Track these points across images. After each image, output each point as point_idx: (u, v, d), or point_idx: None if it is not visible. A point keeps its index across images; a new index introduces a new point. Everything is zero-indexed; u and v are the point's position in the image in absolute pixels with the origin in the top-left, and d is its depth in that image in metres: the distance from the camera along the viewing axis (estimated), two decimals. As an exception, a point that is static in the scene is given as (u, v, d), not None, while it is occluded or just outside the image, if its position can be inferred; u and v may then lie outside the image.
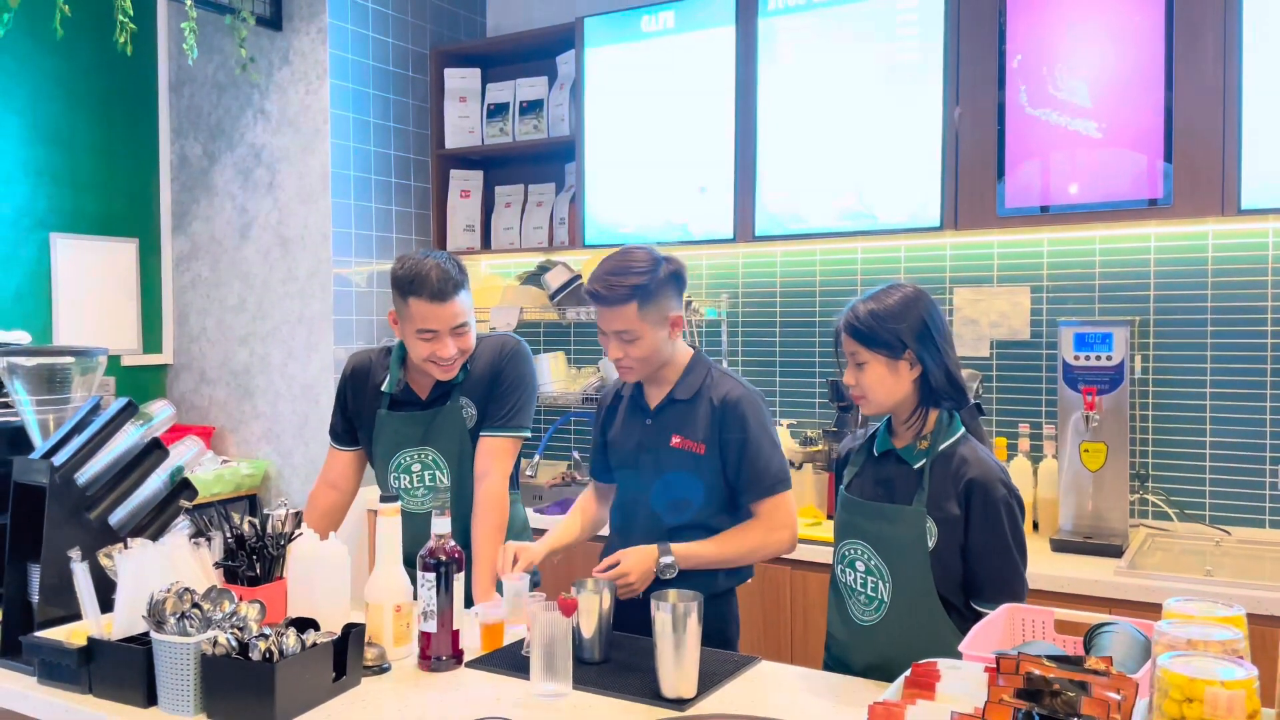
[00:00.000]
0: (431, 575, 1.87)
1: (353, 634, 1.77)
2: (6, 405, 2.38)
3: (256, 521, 1.94)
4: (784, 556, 2.86)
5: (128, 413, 2.07)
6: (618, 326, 2.05)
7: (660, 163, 3.50)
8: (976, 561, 1.80)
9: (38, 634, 1.85)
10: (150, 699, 1.70)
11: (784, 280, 3.60)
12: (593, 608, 1.90)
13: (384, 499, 1.96)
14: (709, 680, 1.78)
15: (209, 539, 1.94)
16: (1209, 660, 1.21)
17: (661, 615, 1.71)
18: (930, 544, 1.79)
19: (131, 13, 3.12)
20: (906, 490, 1.84)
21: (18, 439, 2.33)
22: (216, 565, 1.93)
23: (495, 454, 2.32)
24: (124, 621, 1.79)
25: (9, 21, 3.02)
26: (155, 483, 2.09)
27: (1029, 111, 2.88)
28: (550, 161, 4.05)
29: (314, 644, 1.70)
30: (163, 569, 1.81)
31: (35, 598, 1.95)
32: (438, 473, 2.36)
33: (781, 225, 3.28)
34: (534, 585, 2.46)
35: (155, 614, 1.68)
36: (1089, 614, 1.72)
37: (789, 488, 2.12)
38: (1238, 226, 2.87)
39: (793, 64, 3.24)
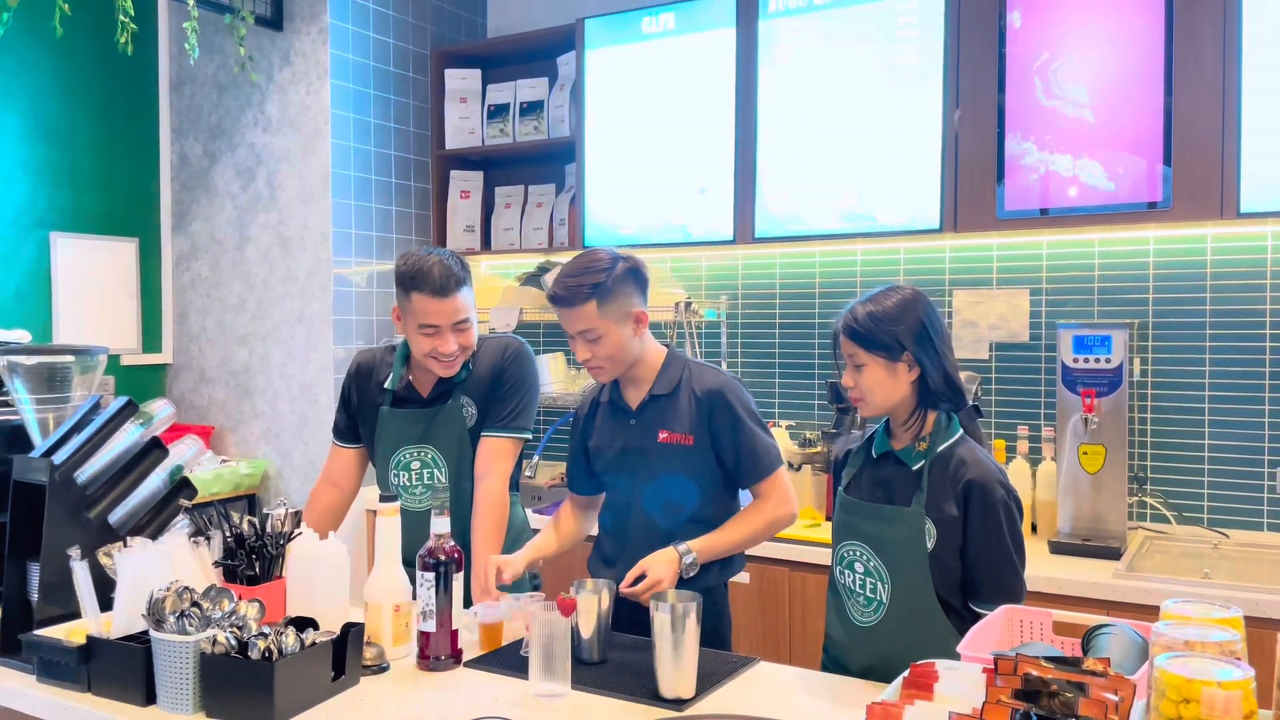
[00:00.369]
0: (430, 575, 1.87)
1: (352, 633, 1.77)
2: (6, 404, 2.38)
3: (256, 521, 1.95)
4: (782, 558, 2.89)
5: (128, 412, 2.07)
6: (580, 327, 2.08)
7: (660, 164, 3.50)
8: (975, 563, 1.80)
9: (37, 632, 1.85)
10: (149, 697, 1.70)
11: (783, 281, 3.60)
12: (591, 608, 1.90)
13: (383, 499, 1.97)
14: (707, 681, 1.79)
15: (208, 538, 1.95)
16: (1206, 661, 1.21)
17: (660, 616, 1.72)
18: (929, 545, 1.80)
19: (132, 12, 3.12)
20: (905, 492, 1.85)
21: (17, 438, 2.33)
22: (216, 564, 1.93)
23: (496, 454, 2.32)
24: (123, 620, 1.79)
25: (9, 21, 3.02)
26: (155, 482, 2.10)
27: (1029, 114, 2.88)
28: (550, 162, 4.06)
29: (313, 643, 1.70)
30: (162, 568, 1.82)
31: (35, 596, 1.95)
32: (436, 471, 2.37)
33: (781, 227, 3.29)
34: (535, 587, 2.47)
35: (155, 612, 1.68)
36: (1087, 616, 1.72)
37: (782, 463, 2.17)
38: (1237, 230, 2.87)
39: (793, 66, 3.25)
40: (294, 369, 3.86)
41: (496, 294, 3.88)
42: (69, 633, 1.83)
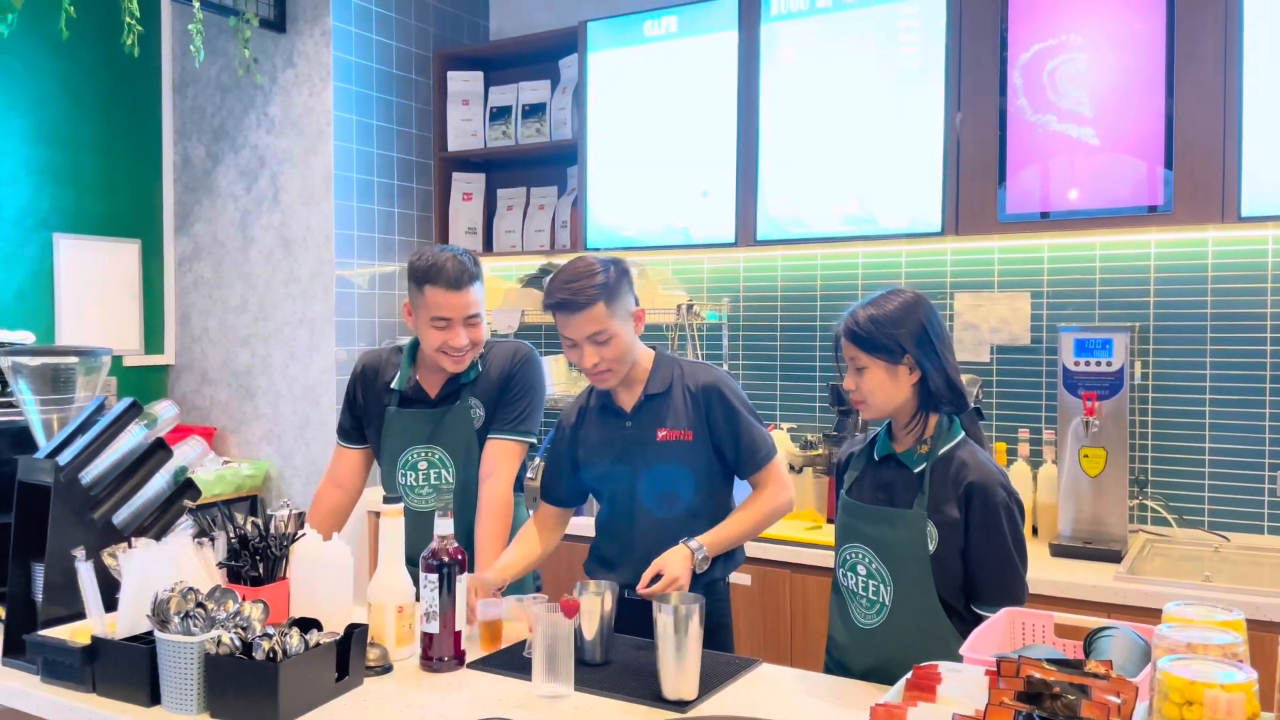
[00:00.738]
0: (434, 576, 1.87)
1: (355, 634, 1.78)
2: (11, 405, 2.39)
3: (260, 522, 1.95)
4: (784, 560, 2.90)
5: (132, 413, 2.07)
6: (590, 330, 2.08)
7: (662, 166, 3.51)
8: (977, 565, 1.81)
9: (41, 633, 1.85)
10: (154, 698, 1.71)
11: (785, 284, 3.61)
12: (595, 609, 1.91)
13: (387, 500, 1.97)
14: (710, 682, 1.79)
15: (212, 539, 1.95)
16: (1209, 664, 1.22)
17: (663, 617, 1.72)
18: (931, 547, 1.80)
19: (139, 14, 3.13)
20: (907, 494, 1.85)
21: (22, 439, 2.34)
22: (220, 565, 1.93)
23: (501, 457, 2.33)
24: (128, 620, 1.79)
25: (13, 22, 3.03)
26: (159, 483, 2.10)
27: (1030, 117, 2.89)
28: (552, 165, 4.07)
29: (317, 644, 1.71)
30: (166, 569, 1.82)
31: (39, 597, 1.96)
32: (443, 471, 2.38)
33: (783, 229, 3.29)
34: (537, 588, 2.48)
35: (159, 613, 1.69)
36: (1088, 618, 1.72)
37: (777, 451, 2.20)
38: (1237, 233, 2.88)
39: (795, 69, 3.26)
40: (296, 370, 3.86)
41: (499, 296, 3.89)
42: (73, 633, 1.83)
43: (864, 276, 3.46)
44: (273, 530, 1.95)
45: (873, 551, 1.86)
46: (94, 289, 3.87)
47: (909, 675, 1.46)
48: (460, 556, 1.90)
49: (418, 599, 1.94)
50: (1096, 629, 1.62)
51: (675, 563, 2.03)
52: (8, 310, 3.60)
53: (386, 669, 1.87)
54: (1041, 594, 2.48)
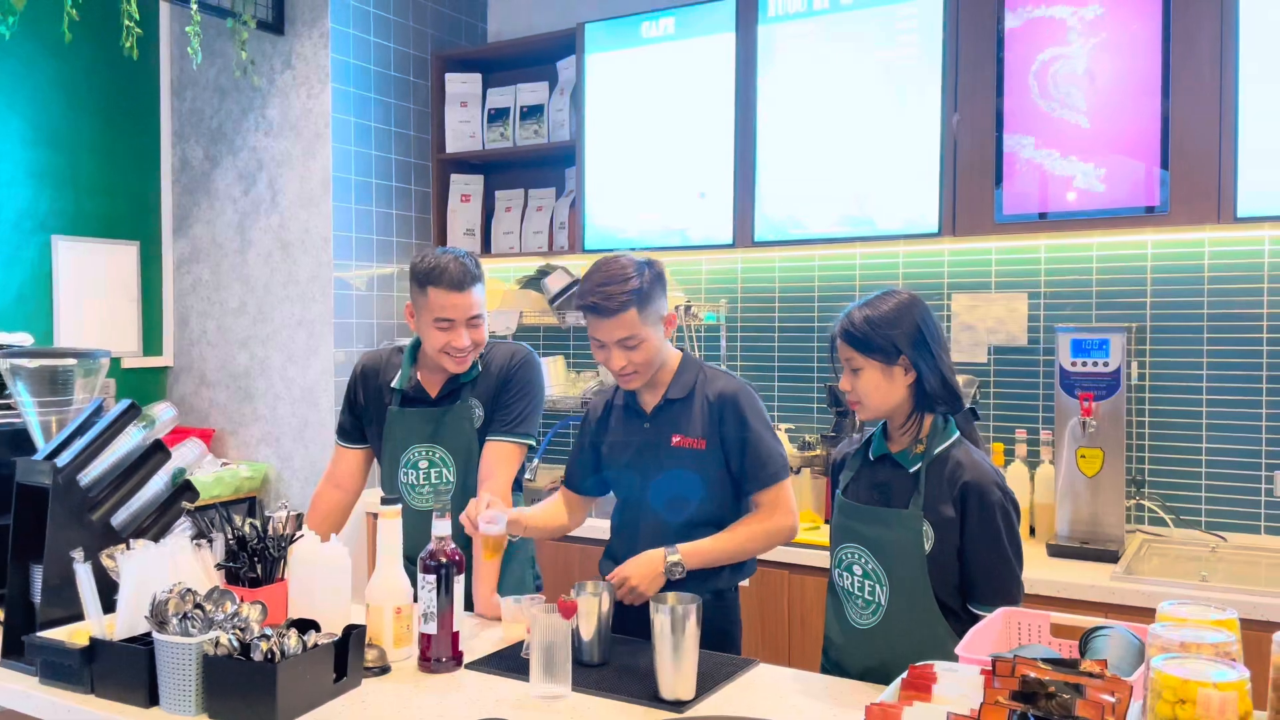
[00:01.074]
0: (432, 577, 1.88)
1: (353, 635, 1.78)
2: (9, 407, 2.39)
3: (258, 523, 1.96)
4: (781, 560, 2.90)
5: (130, 414, 2.08)
6: (620, 335, 2.07)
7: (660, 168, 3.51)
8: (972, 564, 1.81)
9: (40, 634, 1.86)
10: (152, 699, 1.71)
11: (783, 285, 3.61)
12: (592, 610, 1.91)
13: (384, 501, 1.98)
14: (707, 682, 1.80)
15: (210, 540, 1.95)
16: (1202, 662, 1.22)
17: (660, 618, 1.73)
18: (927, 547, 1.81)
19: (138, 16, 3.14)
20: (903, 494, 1.86)
21: (20, 440, 2.34)
22: (218, 567, 1.94)
23: (500, 458, 2.33)
24: (126, 622, 1.79)
25: (14, 24, 3.04)
26: (157, 484, 2.10)
27: (1027, 118, 2.90)
28: (550, 166, 4.07)
29: (315, 645, 1.71)
30: (165, 570, 1.82)
31: (37, 598, 1.96)
32: (444, 470, 2.38)
33: (780, 231, 3.30)
34: (536, 588, 2.48)
35: (158, 614, 1.69)
36: (1084, 618, 1.73)
37: (789, 475, 2.16)
38: (1234, 234, 2.88)
39: (792, 70, 3.26)
40: (294, 372, 3.87)
41: (497, 297, 3.89)
42: (72, 635, 1.84)
43: (862, 277, 3.46)
44: (271, 531, 1.95)
45: (869, 551, 1.87)
46: (92, 291, 3.87)
47: (904, 675, 1.46)
48: (458, 558, 1.91)
49: (416, 600, 1.95)
50: (1092, 628, 1.63)
51: (636, 567, 2.04)
52: (6, 312, 3.60)
53: (384, 670, 1.88)
54: (1038, 594, 2.49)
